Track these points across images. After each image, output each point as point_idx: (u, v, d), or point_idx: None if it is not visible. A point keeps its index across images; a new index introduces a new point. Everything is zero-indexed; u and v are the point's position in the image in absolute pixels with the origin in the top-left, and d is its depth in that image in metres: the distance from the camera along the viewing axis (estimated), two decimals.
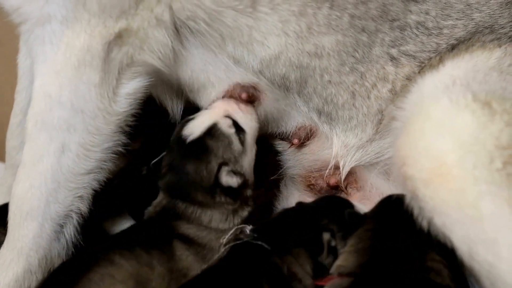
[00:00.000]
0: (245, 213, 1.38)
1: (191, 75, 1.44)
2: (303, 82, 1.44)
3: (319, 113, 1.48)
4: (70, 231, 1.32)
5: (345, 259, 1.20)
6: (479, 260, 1.11)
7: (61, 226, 1.31)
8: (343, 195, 1.52)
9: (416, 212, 1.21)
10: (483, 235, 1.11)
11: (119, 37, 1.29)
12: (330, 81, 1.44)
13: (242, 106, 1.43)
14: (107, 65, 1.28)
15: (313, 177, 1.54)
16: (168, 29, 1.32)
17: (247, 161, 1.39)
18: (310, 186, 1.55)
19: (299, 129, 1.53)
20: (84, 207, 1.32)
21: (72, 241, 1.33)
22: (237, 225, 1.36)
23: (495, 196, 1.13)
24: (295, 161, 1.56)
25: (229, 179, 1.34)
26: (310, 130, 1.52)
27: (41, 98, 1.27)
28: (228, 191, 1.35)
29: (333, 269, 1.19)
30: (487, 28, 1.45)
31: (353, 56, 1.42)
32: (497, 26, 1.45)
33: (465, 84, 1.27)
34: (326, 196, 1.49)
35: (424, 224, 1.18)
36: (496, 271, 1.10)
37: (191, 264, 1.28)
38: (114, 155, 1.34)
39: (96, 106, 1.28)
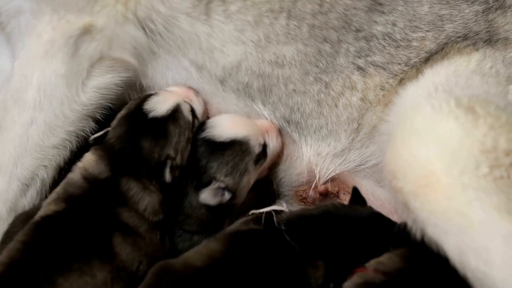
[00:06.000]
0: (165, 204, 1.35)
1: (152, 76, 1.47)
2: (267, 90, 1.45)
3: (287, 122, 1.48)
4: (33, 191, 1.42)
5: (388, 258, 1.19)
6: (471, 268, 1.09)
7: (27, 186, 1.42)
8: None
9: (409, 224, 1.20)
10: (474, 244, 1.09)
11: (88, 33, 1.37)
12: (295, 90, 1.45)
13: (199, 98, 1.47)
14: (75, 58, 1.37)
15: (303, 190, 1.53)
16: (135, 26, 1.39)
17: (187, 152, 1.38)
18: (303, 201, 1.53)
19: None
20: (47, 176, 1.42)
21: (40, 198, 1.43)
22: (162, 218, 1.33)
23: (484, 203, 1.11)
24: (282, 178, 1.54)
25: (168, 176, 1.32)
26: None
27: (18, 77, 1.39)
28: (163, 182, 1.33)
29: (371, 263, 1.18)
30: (460, 37, 1.44)
31: (316, 66, 1.43)
32: (471, 34, 1.44)
33: (447, 90, 1.27)
34: (371, 212, 1.36)
35: (418, 235, 1.17)
36: (489, 279, 1.08)
37: (128, 256, 1.25)
38: (77, 138, 1.43)
39: (63, 93, 1.38)
